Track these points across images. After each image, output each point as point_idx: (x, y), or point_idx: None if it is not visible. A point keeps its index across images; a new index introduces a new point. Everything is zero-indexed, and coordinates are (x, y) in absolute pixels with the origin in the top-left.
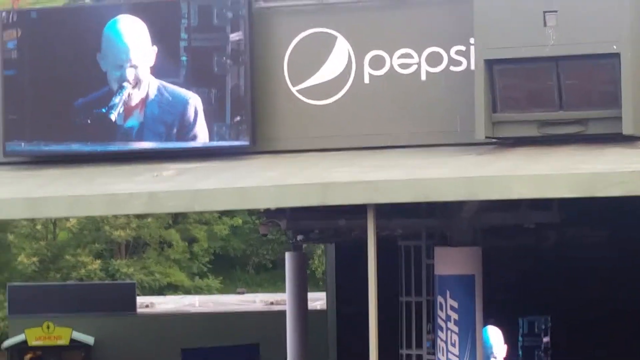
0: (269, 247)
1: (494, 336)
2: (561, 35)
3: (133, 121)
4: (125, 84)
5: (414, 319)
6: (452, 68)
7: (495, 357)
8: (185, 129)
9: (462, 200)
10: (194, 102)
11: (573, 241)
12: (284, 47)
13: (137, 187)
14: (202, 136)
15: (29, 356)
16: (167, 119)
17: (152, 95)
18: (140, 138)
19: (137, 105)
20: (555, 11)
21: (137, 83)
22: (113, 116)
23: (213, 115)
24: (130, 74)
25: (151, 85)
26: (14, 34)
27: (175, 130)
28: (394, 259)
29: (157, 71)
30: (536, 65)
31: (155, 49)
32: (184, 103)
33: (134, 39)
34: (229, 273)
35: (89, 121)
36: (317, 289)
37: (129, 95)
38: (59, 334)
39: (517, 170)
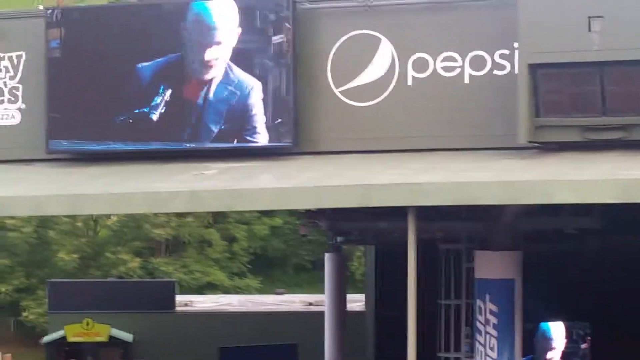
0: (309, 248)
1: (556, 331)
2: (605, 41)
3: (179, 121)
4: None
5: (452, 322)
6: (495, 72)
7: (554, 349)
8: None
9: (504, 205)
10: (256, 94)
11: (614, 247)
12: (327, 48)
13: (179, 185)
14: (262, 135)
15: (64, 351)
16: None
17: (212, 90)
18: (188, 138)
19: (188, 101)
20: (601, 16)
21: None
22: (154, 116)
23: None
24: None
25: (214, 80)
26: (57, 33)
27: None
28: (434, 262)
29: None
30: (580, 70)
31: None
32: (246, 96)
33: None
34: (268, 273)
35: (130, 120)
36: (356, 290)
37: (170, 95)
38: (98, 331)
39: (559, 175)
